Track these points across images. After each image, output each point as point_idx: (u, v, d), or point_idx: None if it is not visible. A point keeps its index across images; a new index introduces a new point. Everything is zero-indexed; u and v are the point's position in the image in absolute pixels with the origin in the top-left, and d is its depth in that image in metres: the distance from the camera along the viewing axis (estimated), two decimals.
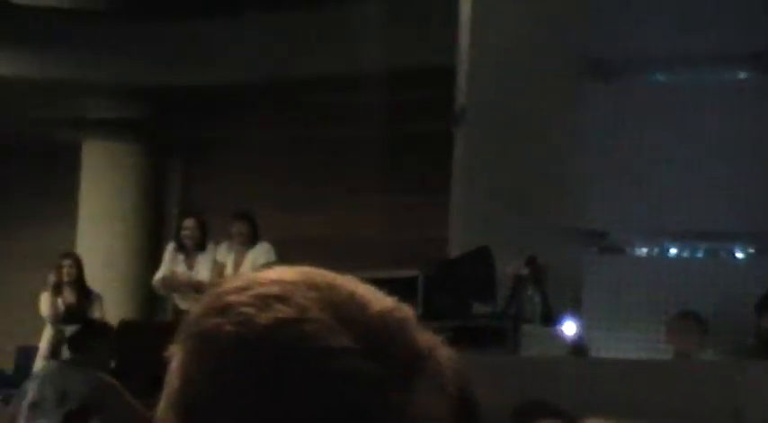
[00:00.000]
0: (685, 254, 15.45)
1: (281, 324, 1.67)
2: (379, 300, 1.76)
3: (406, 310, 1.75)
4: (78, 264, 18.78)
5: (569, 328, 13.56)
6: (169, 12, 20.48)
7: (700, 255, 15.44)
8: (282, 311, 1.70)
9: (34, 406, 13.99)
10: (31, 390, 14.97)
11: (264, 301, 1.72)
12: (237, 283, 1.75)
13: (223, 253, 17.32)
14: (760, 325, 13.36)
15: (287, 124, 20.38)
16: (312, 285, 1.74)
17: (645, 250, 15.34)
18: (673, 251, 15.47)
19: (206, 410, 1.64)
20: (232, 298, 1.71)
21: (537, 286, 13.50)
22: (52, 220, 21.82)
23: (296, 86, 20.71)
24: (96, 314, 18.08)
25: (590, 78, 15.46)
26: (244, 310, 1.70)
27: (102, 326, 15.68)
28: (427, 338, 1.73)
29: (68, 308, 18.04)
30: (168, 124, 21.83)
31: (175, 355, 1.74)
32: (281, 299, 1.71)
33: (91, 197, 21.82)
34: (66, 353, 16.91)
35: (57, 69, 20.78)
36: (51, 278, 18.49)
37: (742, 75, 16.00)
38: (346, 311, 1.71)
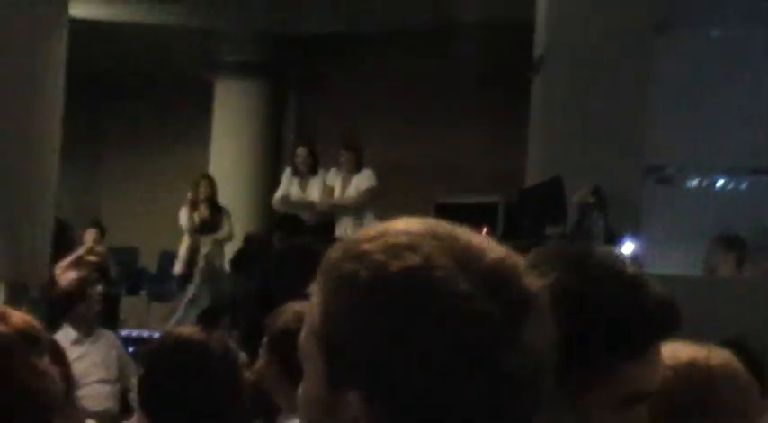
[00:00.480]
0: (730, 186, 14.79)
1: (411, 270, 1.78)
2: (493, 249, 1.86)
3: (515, 258, 1.89)
4: (212, 184, 18.74)
5: (628, 247, 13.00)
6: None
7: (743, 186, 14.75)
8: (411, 259, 1.81)
9: (191, 302, 14.65)
10: (190, 290, 14.95)
11: (395, 249, 1.83)
12: (371, 232, 1.89)
13: (332, 177, 17.03)
14: None
15: (391, 65, 19.90)
16: (435, 236, 1.84)
17: (695, 182, 14.76)
18: (719, 183, 14.79)
19: (343, 343, 1.78)
20: (366, 246, 1.84)
21: (601, 212, 13.05)
22: (192, 145, 21.72)
23: (403, 35, 20.21)
24: (225, 227, 18.33)
25: (654, 32, 14.64)
26: (377, 257, 1.82)
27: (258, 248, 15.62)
28: (532, 281, 1.88)
29: (202, 221, 18.14)
30: (287, 65, 21.53)
31: (315, 293, 1.89)
32: (409, 248, 1.82)
33: (222, 127, 21.68)
34: (200, 261, 17.59)
35: (196, 19, 20.58)
36: (189, 195, 18.54)
37: None
38: (466, 260, 1.81)
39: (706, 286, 12.17)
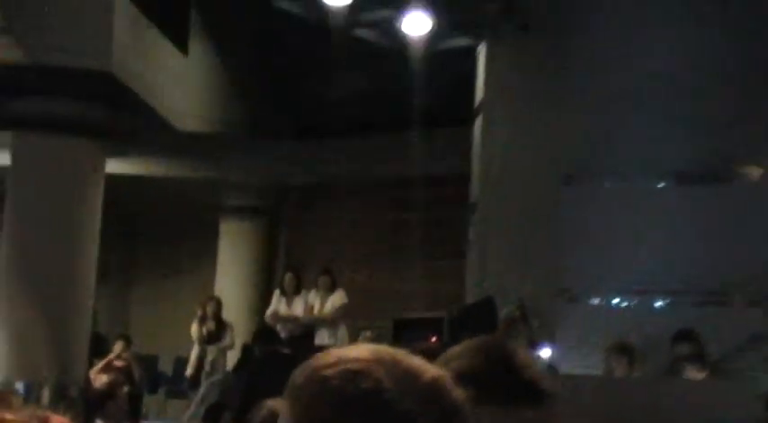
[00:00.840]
0: (623, 304, 14.94)
1: (364, 394, 1.87)
2: (428, 369, 1.98)
3: (445, 375, 2.00)
4: (218, 303, 18.71)
5: (546, 352, 13.60)
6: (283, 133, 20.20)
7: (632, 304, 14.91)
8: (364, 384, 1.89)
9: (201, 400, 14.22)
10: (200, 391, 15.32)
11: (349, 375, 1.90)
12: (329, 358, 1.97)
13: (312, 297, 16.96)
14: (672, 352, 12.85)
15: (357, 210, 20.02)
16: (381, 361, 1.94)
17: (596, 301, 15.12)
18: (614, 302, 15.01)
19: None
20: (326, 372, 1.92)
21: (524, 324, 13.53)
22: (202, 272, 21.45)
23: (365, 186, 20.12)
24: (228, 338, 18.38)
25: (563, 184, 15.36)
26: (335, 382, 1.90)
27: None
28: (458, 394, 1.98)
29: (209, 333, 18.17)
30: (278, 209, 21.69)
31: (283, 413, 1.97)
32: (361, 374, 1.90)
33: (226, 257, 21.62)
34: (206, 366, 17.82)
35: (203, 172, 20.63)
36: (199, 312, 18.55)
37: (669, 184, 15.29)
38: (407, 381, 1.91)
39: (605, 384, 11.98)
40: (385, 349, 2.02)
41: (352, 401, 1.91)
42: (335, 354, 2.03)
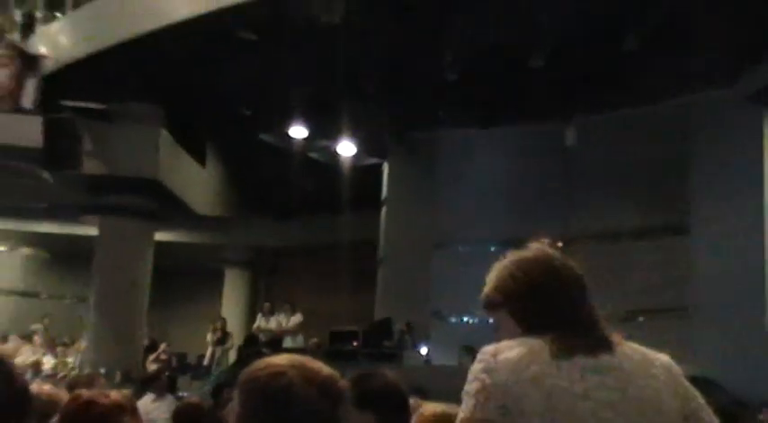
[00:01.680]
0: (470, 321, 14.93)
1: (281, 388, 1.95)
2: (324, 369, 2.04)
3: (334, 372, 2.05)
4: (224, 321, 18.48)
5: (424, 350, 14.07)
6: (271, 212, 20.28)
7: (476, 321, 14.62)
8: (282, 380, 1.97)
9: (212, 381, 13.88)
10: (212, 375, 15.45)
11: (272, 375, 1.98)
12: (261, 364, 2.01)
13: (281, 317, 17.00)
14: None
15: (309, 268, 19.68)
16: (294, 365, 1.99)
17: (454, 319, 15.42)
18: (465, 319, 15.24)
19: None
20: (258, 373, 1.99)
21: (410, 334, 14.02)
22: (213, 305, 20.59)
23: (314, 249, 19.54)
24: (229, 343, 18.02)
25: (435, 248, 15.90)
26: (263, 380, 1.98)
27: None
28: (343, 383, 2.05)
29: (218, 339, 17.90)
30: (261, 263, 21.12)
31: (234, 396, 2.03)
32: (281, 373, 1.98)
33: (229, 294, 20.96)
34: (216, 360, 17.80)
35: (210, 238, 20.32)
36: (211, 327, 18.14)
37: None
38: (310, 377, 1.98)
39: (458, 371, 12.47)
40: (298, 357, 2.08)
41: (274, 393, 1.99)
42: (265, 360, 2.09)
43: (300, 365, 2.03)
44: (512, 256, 2.71)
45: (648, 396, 2.41)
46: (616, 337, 2.45)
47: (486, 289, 2.68)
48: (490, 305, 2.67)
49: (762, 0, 8.33)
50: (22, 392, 1.78)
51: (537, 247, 2.71)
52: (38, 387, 4.33)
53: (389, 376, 3.09)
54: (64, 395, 4.24)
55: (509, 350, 2.38)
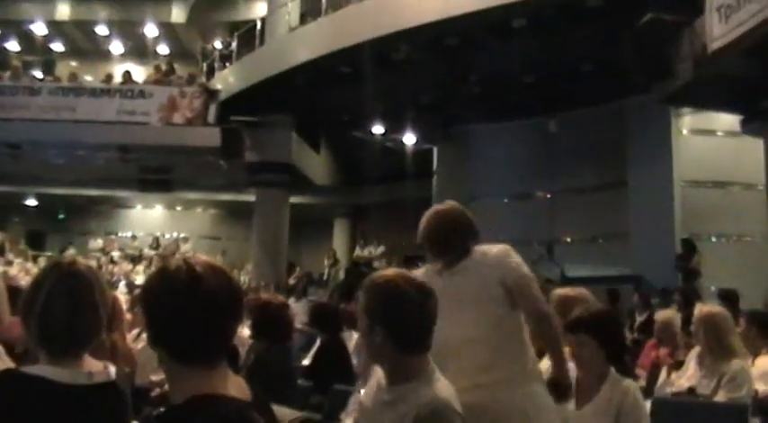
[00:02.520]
0: None
1: (394, 287, 1.83)
2: (418, 278, 1.94)
3: (424, 282, 1.90)
4: (335, 253, 17.58)
5: None
6: None
7: None
8: (393, 283, 1.83)
9: None
10: None
11: (387, 280, 1.84)
12: (378, 275, 1.91)
13: (372, 249, 16.59)
14: None
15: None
16: (400, 275, 1.90)
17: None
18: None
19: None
20: (377, 280, 1.89)
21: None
22: (325, 244, 19.47)
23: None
24: (339, 265, 17.19)
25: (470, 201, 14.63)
26: (382, 283, 1.86)
27: None
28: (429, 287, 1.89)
29: (331, 263, 17.11)
30: (357, 216, 20.35)
31: (360, 297, 1.86)
32: (391, 280, 1.85)
33: (337, 235, 20.23)
34: None
35: (329, 199, 19.59)
36: (326, 255, 17.44)
37: None
38: (411, 282, 1.86)
39: None
40: (399, 271, 1.92)
41: (388, 290, 1.83)
42: (380, 273, 1.94)
43: (402, 275, 1.96)
44: (430, 210, 2.76)
45: (479, 274, 2.60)
46: (478, 249, 2.63)
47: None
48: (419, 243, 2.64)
49: (659, 36, 8.56)
50: (239, 293, 1.48)
51: (448, 203, 2.78)
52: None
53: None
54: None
55: (419, 272, 2.63)
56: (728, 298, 6.74)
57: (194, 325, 1.43)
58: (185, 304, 1.43)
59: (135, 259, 17.80)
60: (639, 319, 8.33)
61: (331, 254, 18.05)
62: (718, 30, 7.48)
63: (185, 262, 1.48)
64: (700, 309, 4.06)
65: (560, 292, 3.44)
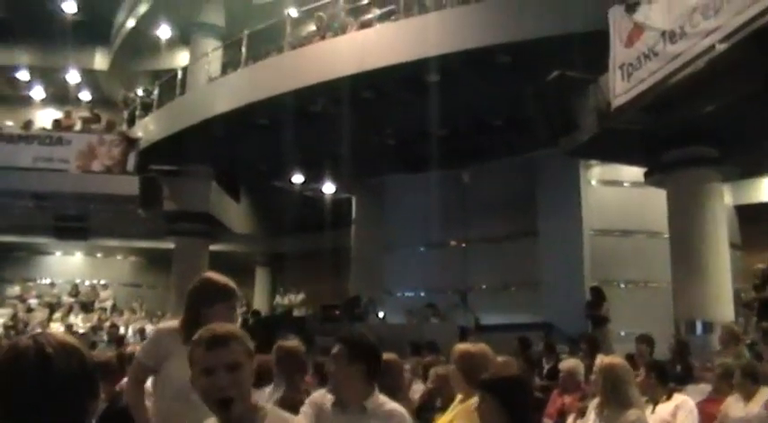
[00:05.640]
0: (408, 294, 14.75)
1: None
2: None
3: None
4: (248, 303, 17.45)
5: (381, 314, 13.32)
6: None
7: (411, 294, 14.60)
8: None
9: None
10: None
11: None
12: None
13: (291, 297, 16.37)
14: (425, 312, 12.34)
15: (315, 264, 18.07)
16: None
17: (399, 294, 14.90)
18: (406, 294, 14.81)
19: None
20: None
21: (371, 304, 13.48)
22: (247, 293, 19.01)
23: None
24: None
25: (384, 250, 15.17)
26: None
27: None
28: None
29: (253, 312, 15.91)
30: (278, 264, 19.87)
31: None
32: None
33: (259, 284, 19.99)
34: None
35: (249, 249, 19.48)
36: (238, 304, 17.65)
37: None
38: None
39: (404, 326, 11.59)
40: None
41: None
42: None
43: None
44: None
45: None
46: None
47: None
48: None
49: (565, 91, 8.57)
50: (92, 372, 1.36)
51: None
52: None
53: (371, 335, 2.76)
54: None
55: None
56: (647, 341, 6.80)
57: (43, 407, 1.34)
58: (34, 385, 1.34)
59: (53, 306, 17.00)
60: (546, 366, 8.21)
61: (242, 303, 17.32)
62: (620, 87, 7.48)
63: (35, 341, 1.40)
64: (601, 359, 4.00)
65: (462, 347, 3.33)
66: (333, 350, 2.63)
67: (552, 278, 12.05)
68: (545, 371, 8.07)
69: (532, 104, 9.13)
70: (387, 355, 3.43)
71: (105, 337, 10.40)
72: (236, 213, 17.56)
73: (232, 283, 2.85)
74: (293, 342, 4.07)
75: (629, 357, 5.75)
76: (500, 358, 3.79)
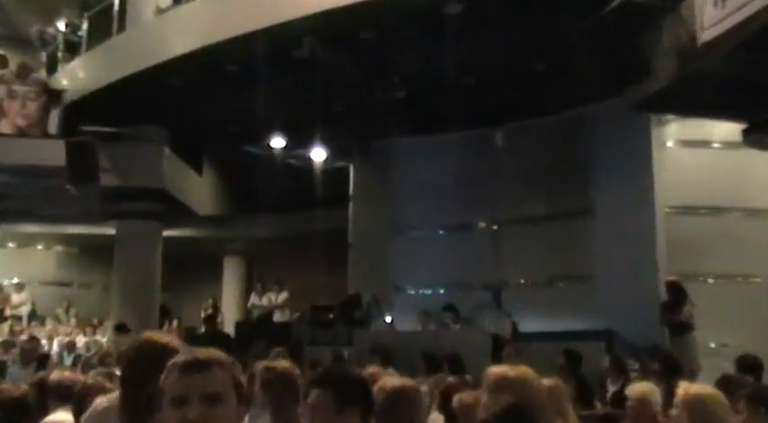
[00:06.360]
0: (425, 292, 15.02)
1: None
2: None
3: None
4: (216, 303, 18.18)
5: (389, 318, 13.57)
6: None
7: (429, 292, 14.91)
8: None
9: None
10: None
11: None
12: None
13: (271, 295, 16.47)
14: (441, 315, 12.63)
15: (293, 252, 18.64)
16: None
17: (413, 292, 15.22)
18: (421, 291, 15.11)
19: None
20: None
21: (376, 305, 13.70)
22: (213, 288, 19.77)
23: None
24: (219, 317, 17.39)
25: (392, 231, 15.52)
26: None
27: None
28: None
29: (208, 316, 16.46)
30: (254, 254, 20.51)
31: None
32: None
33: (228, 278, 20.44)
34: None
35: (215, 233, 19.78)
36: (203, 305, 17.80)
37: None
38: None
39: (417, 334, 11.83)
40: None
41: None
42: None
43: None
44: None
45: None
46: None
47: None
48: None
49: (632, 25, 8.31)
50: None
51: None
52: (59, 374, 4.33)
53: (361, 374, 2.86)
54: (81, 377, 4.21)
55: None
56: (749, 368, 6.39)
57: None
58: None
59: None
60: (612, 388, 8.11)
61: (208, 304, 17.82)
62: (710, 16, 7.05)
63: None
64: (685, 389, 3.89)
65: (497, 372, 3.27)
66: (311, 398, 2.56)
67: (613, 270, 12.05)
68: (609, 394, 7.93)
69: (586, 43, 8.84)
70: (399, 381, 3.43)
71: (19, 357, 10.06)
72: (197, 188, 17.81)
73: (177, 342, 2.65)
74: (284, 363, 3.99)
75: (725, 381, 5.55)
76: (547, 381, 3.61)
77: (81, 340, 14.94)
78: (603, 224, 12.58)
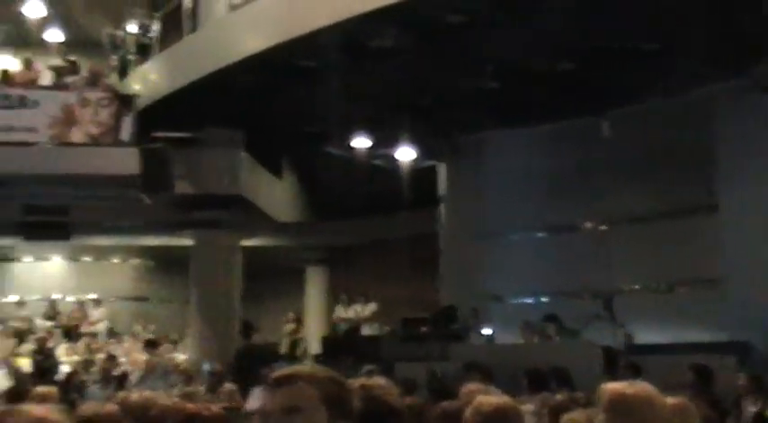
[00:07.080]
0: (525, 301, 15.01)
1: None
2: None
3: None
4: (299, 318, 18.39)
5: (487, 331, 13.63)
6: None
7: (529, 301, 14.94)
8: None
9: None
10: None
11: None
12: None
13: (358, 307, 16.55)
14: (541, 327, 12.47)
15: (376, 261, 19.10)
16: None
17: (513, 301, 15.18)
18: (522, 301, 15.03)
19: None
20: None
21: (474, 316, 13.80)
22: (296, 303, 20.08)
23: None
24: (302, 332, 17.79)
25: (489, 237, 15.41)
26: None
27: None
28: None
29: (290, 331, 17.49)
30: (336, 264, 20.54)
31: None
32: None
33: (311, 289, 20.66)
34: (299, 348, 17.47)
35: (294, 241, 20.18)
36: (285, 318, 18.06)
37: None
38: None
39: (520, 347, 11.81)
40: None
41: None
42: None
43: None
44: None
45: None
46: None
47: None
48: None
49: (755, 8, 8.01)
50: None
51: None
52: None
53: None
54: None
55: None
56: None
57: None
58: None
59: (22, 334, 16.51)
60: (752, 408, 7.79)
61: (291, 317, 18.07)
62: None
63: None
64: None
65: (612, 388, 3.13)
66: None
67: (744, 273, 11.76)
68: (748, 416, 7.68)
69: (705, 17, 8.69)
70: (496, 400, 3.46)
71: (99, 376, 10.10)
72: (277, 194, 17.96)
73: None
74: (381, 380, 3.81)
75: None
76: (672, 401, 3.42)
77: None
78: (732, 220, 12.30)
